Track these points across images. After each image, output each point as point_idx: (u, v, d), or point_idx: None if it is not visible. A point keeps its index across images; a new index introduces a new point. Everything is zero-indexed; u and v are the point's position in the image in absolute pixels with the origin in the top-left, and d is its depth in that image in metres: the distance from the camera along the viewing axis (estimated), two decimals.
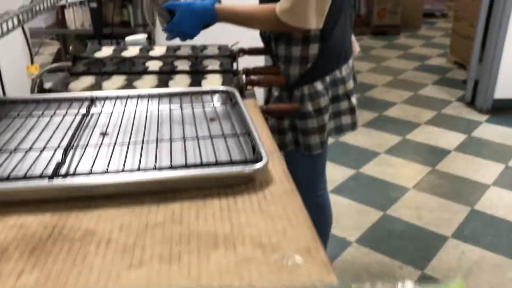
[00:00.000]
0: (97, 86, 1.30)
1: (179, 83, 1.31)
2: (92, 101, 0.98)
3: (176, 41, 1.71)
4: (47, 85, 1.69)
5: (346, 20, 1.53)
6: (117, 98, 0.98)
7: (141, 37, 2.01)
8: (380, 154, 3.26)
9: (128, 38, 2.01)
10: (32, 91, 1.46)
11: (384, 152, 3.29)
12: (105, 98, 0.99)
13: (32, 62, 1.93)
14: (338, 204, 2.66)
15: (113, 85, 1.29)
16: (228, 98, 0.98)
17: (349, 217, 2.57)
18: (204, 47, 1.69)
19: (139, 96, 0.99)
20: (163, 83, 1.32)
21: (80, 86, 1.29)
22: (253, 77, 1.36)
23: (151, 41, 3.91)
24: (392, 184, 2.89)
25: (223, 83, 1.32)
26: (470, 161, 3.16)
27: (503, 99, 3.90)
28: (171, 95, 0.99)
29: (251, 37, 1.74)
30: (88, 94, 1.01)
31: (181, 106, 0.99)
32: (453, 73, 4.92)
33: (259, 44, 1.65)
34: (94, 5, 3.76)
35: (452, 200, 2.72)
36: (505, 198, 2.73)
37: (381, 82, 4.66)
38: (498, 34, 3.72)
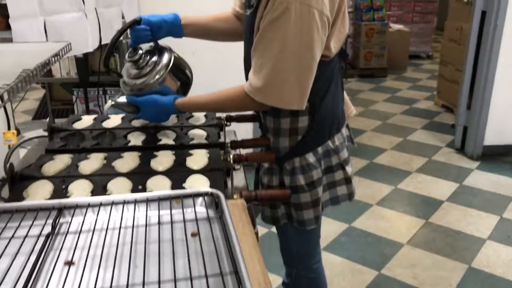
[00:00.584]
0: (72, 168, 1.21)
1: (162, 163, 1.23)
2: (60, 210, 0.89)
3: None
4: (21, 158, 1.61)
5: (337, 87, 1.47)
6: (88, 206, 0.89)
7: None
8: (372, 206, 3.18)
9: (111, 100, 1.94)
10: (5, 169, 1.37)
11: (376, 204, 3.21)
12: (75, 207, 0.90)
13: (9, 127, 1.85)
14: (331, 264, 2.55)
15: (90, 167, 1.21)
16: (213, 202, 0.90)
17: (342, 278, 2.46)
18: (190, 115, 1.62)
19: (113, 203, 0.90)
20: (144, 163, 1.24)
21: (54, 168, 1.20)
22: (241, 151, 1.29)
23: None
24: (386, 240, 2.80)
25: (210, 162, 1.24)
26: (463, 213, 3.09)
27: (493, 145, 3.87)
28: (148, 200, 0.91)
29: None
30: (56, 202, 0.90)
31: (159, 217, 0.87)
32: (441, 117, 4.92)
33: None
34: (80, 54, 3.71)
35: (448, 256, 2.63)
36: (502, 254, 2.65)
37: (370, 127, 4.63)
38: (486, 80, 3.73)
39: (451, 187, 3.43)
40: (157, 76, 1.41)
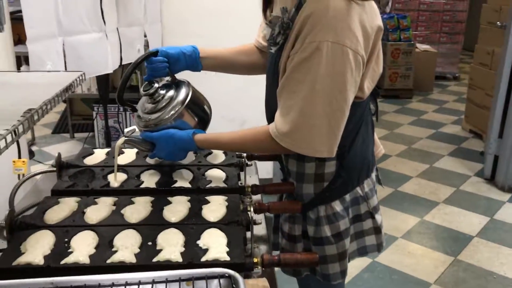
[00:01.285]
0: (78, 216, 1.11)
1: (175, 212, 1.12)
2: None
3: None
4: (28, 189, 1.52)
5: (368, 129, 1.35)
6: (85, 286, 0.78)
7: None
8: (397, 239, 3.02)
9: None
10: (11, 205, 1.28)
11: (401, 237, 3.05)
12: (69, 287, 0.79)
13: (19, 156, 1.76)
14: None
15: (97, 215, 1.10)
16: (230, 284, 0.79)
17: None
18: (209, 152, 1.51)
19: (113, 285, 0.78)
20: (156, 211, 1.13)
21: (58, 216, 1.10)
22: (261, 202, 1.17)
23: None
24: (412, 278, 2.63)
25: (228, 213, 1.12)
26: (495, 250, 2.90)
27: None
28: (154, 282, 0.79)
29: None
30: (48, 281, 0.79)
31: None
32: (470, 143, 4.73)
33: None
34: None
35: None
36: None
37: (395, 152, 4.47)
38: None
39: (481, 221, 3.25)
40: (172, 112, 1.30)
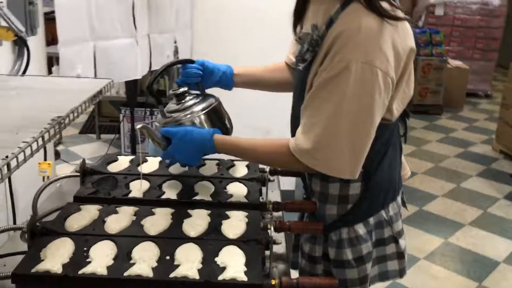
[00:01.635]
0: (98, 225, 1.11)
1: (195, 226, 1.11)
2: None
3: None
4: (52, 191, 1.53)
5: (395, 151, 1.32)
6: None
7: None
8: (420, 259, 2.95)
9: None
10: (34, 207, 1.29)
11: (424, 258, 2.98)
12: None
13: (45, 158, 1.79)
14: None
15: (117, 225, 1.10)
16: None
17: None
18: (232, 164, 1.50)
19: None
20: (176, 224, 1.13)
21: (79, 223, 1.10)
22: (282, 220, 1.15)
23: None
24: None
25: (247, 230, 1.11)
26: None
27: None
28: None
29: None
30: None
31: None
32: (500, 164, 4.60)
33: None
34: None
35: None
36: None
37: (421, 169, 4.38)
38: None
39: (509, 247, 3.15)
40: (191, 115, 1.29)
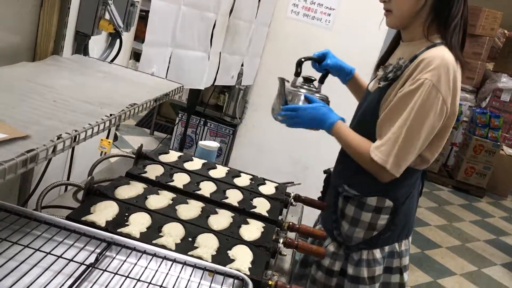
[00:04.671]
0: (141, 199, 1.31)
1: (219, 222, 1.29)
2: (109, 244, 0.98)
3: (241, 167, 1.75)
4: (107, 165, 1.76)
5: (416, 197, 1.54)
6: (134, 249, 0.97)
7: (214, 145, 2.07)
8: None
9: (201, 142, 2.08)
10: (90, 174, 1.52)
11: None
12: (123, 246, 0.98)
13: (108, 136, 2.03)
14: None
15: (156, 203, 1.30)
16: (241, 287, 0.94)
17: None
18: (263, 182, 1.68)
19: (154, 255, 0.97)
20: (203, 216, 1.31)
21: (126, 194, 1.31)
22: (292, 239, 1.31)
23: (234, 132, 4.04)
24: None
25: (261, 237, 1.28)
26: None
27: None
28: (185, 264, 0.96)
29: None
30: (108, 236, 1.00)
31: (188, 283, 0.93)
32: None
33: None
34: None
35: None
36: None
37: (447, 244, 4.39)
38: None
39: None
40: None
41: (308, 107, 1.47)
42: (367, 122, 1.44)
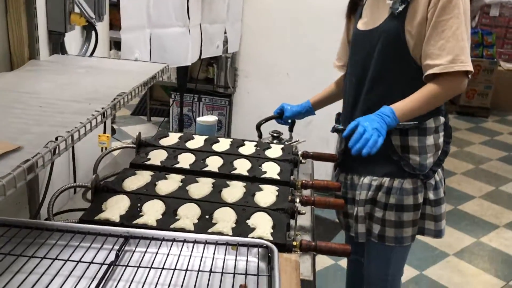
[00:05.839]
0: (150, 187, 1.30)
1: (232, 194, 1.28)
2: (127, 239, 0.96)
3: (243, 135, 1.75)
4: (110, 160, 1.74)
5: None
6: (152, 239, 0.96)
7: (212, 119, 2.04)
8: (449, 255, 3.02)
9: (199, 119, 2.05)
10: (94, 171, 1.50)
11: (453, 254, 3.04)
12: (141, 237, 0.97)
13: (104, 131, 2.00)
14: None
15: (166, 188, 1.29)
16: (266, 255, 0.93)
17: None
18: (268, 146, 1.66)
19: (174, 240, 0.95)
20: (216, 191, 1.30)
21: (135, 185, 1.29)
22: (308, 196, 1.30)
23: (230, 102, 3.99)
24: None
25: (276, 201, 1.26)
26: None
27: None
28: (206, 243, 0.95)
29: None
30: (124, 231, 0.98)
31: (212, 264, 0.91)
32: None
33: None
34: None
35: None
36: None
37: (461, 170, 4.39)
38: None
39: None
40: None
41: (356, 125, 1.40)
42: (386, 55, 1.43)
